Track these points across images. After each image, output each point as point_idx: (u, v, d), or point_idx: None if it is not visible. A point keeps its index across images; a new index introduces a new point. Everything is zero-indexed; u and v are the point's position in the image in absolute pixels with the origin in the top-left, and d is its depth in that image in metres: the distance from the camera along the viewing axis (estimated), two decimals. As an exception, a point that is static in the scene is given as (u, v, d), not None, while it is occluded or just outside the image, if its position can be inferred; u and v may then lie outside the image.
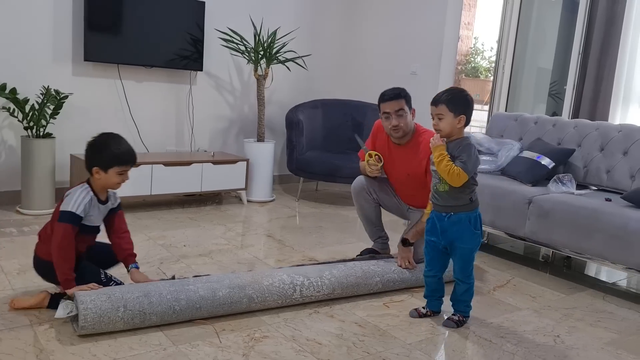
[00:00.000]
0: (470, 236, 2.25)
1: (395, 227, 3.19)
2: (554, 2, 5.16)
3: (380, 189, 2.95)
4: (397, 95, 2.71)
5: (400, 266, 2.74)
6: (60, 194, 3.71)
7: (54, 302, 2.16)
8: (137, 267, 2.31)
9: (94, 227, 2.25)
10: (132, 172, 3.56)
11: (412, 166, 2.76)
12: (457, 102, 2.19)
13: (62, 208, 2.13)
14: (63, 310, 2.02)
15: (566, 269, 3.35)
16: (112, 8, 3.86)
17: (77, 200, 2.12)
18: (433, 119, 2.25)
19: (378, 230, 3.04)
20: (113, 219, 2.33)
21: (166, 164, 3.82)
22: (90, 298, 1.99)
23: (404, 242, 2.76)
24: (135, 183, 3.68)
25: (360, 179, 2.99)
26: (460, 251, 2.27)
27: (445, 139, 2.24)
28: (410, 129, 2.79)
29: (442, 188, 2.23)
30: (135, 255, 2.34)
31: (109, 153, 2.15)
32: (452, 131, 2.21)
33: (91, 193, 2.17)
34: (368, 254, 2.96)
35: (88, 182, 2.21)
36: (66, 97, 3.58)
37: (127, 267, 2.31)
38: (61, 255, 2.09)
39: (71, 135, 3.90)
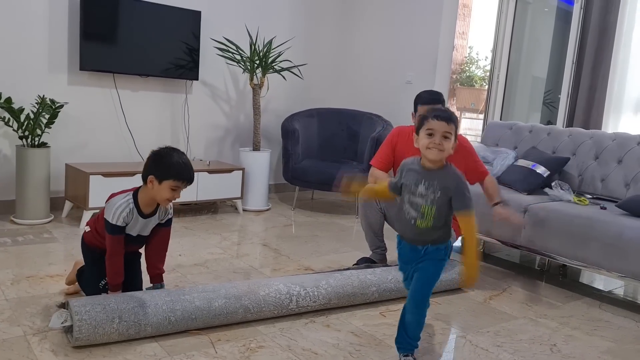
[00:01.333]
0: (441, 261, 2.02)
1: (393, 236, 3.18)
2: (547, 11, 5.21)
3: (387, 202, 2.95)
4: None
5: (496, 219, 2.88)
6: (55, 204, 3.75)
7: (80, 273, 2.36)
8: (163, 287, 2.33)
9: (132, 237, 2.23)
10: (127, 181, 3.63)
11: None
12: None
13: (105, 216, 2.15)
14: (57, 320, 2.01)
15: (562, 277, 3.35)
16: (108, 17, 3.86)
17: (116, 213, 2.12)
18: (433, 135, 1.91)
19: (379, 240, 3.05)
20: (157, 233, 2.30)
21: (162, 173, 3.81)
22: (85, 309, 1.97)
23: (496, 204, 2.90)
24: (131, 192, 3.67)
25: None
26: (425, 272, 1.99)
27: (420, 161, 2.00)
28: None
29: (423, 225, 1.96)
30: (163, 273, 2.36)
31: (168, 164, 2.12)
32: (448, 155, 1.95)
33: (131, 205, 2.15)
34: (364, 263, 2.96)
35: (136, 192, 2.19)
36: (61, 106, 3.58)
37: (152, 283, 2.34)
38: (110, 263, 2.18)
39: (66, 144, 3.89)
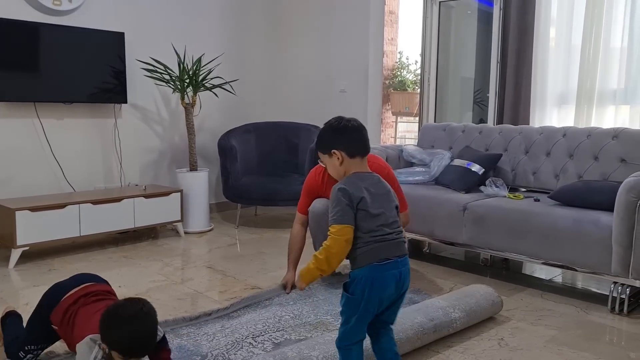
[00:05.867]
0: (342, 294, 1.73)
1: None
2: (469, 13, 5.38)
3: None
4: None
5: None
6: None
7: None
8: None
9: None
10: (57, 214, 3.45)
11: None
12: (320, 142, 1.85)
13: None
14: None
15: (505, 271, 3.43)
16: (23, 44, 3.67)
17: None
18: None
19: None
20: (155, 356, 1.82)
21: (95, 202, 3.65)
22: None
23: None
24: (62, 225, 3.50)
25: (320, 204, 2.90)
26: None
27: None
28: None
29: None
30: None
31: (115, 338, 1.66)
32: (338, 173, 1.81)
33: (100, 354, 1.71)
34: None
35: None
36: (-21, 141, 3.37)
37: None
38: None
39: (-12, 180, 3.66)
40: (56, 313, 1.92)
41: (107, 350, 1.68)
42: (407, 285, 1.74)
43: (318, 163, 2.92)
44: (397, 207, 1.78)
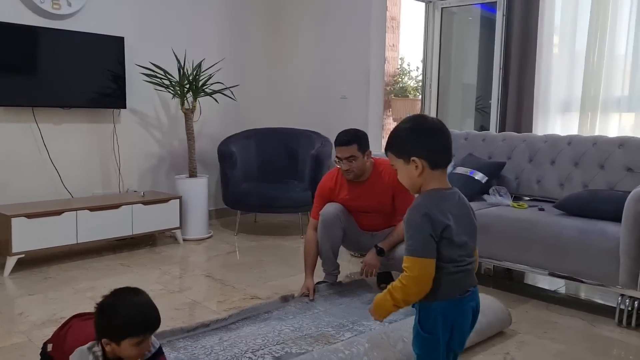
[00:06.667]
0: (415, 336, 1.50)
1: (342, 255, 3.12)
2: (471, 20, 5.35)
3: (347, 219, 2.93)
4: (347, 142, 2.77)
5: (363, 273, 2.80)
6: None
7: None
8: None
9: None
10: (54, 221, 3.39)
11: (379, 196, 2.86)
12: (396, 144, 1.54)
13: None
14: None
15: (508, 281, 3.38)
16: (21, 48, 3.62)
17: None
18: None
19: (335, 261, 3.00)
20: None
21: (92, 209, 3.60)
22: None
23: (379, 251, 2.79)
24: (59, 232, 3.45)
25: (332, 207, 2.90)
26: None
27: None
28: (365, 169, 2.86)
29: None
30: None
31: (117, 321, 1.62)
32: (413, 185, 1.51)
33: (100, 358, 1.67)
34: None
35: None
36: (-25, 146, 3.32)
37: None
38: None
39: (-16, 186, 3.61)
40: (52, 343, 1.88)
41: (100, 354, 1.63)
42: (477, 317, 1.55)
43: (334, 165, 2.89)
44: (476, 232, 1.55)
